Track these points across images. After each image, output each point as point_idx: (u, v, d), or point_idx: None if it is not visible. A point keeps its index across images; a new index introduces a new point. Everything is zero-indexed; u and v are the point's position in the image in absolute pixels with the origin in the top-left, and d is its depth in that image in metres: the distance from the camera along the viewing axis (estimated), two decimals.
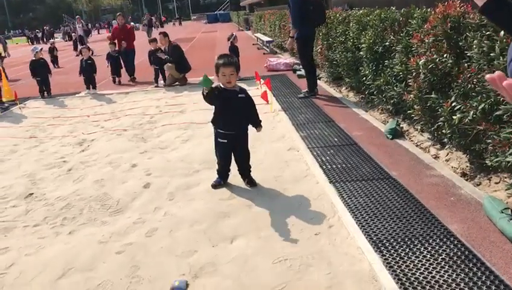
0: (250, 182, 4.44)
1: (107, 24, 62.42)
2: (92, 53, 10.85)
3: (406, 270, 2.87)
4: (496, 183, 3.93)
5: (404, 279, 2.78)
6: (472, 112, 3.85)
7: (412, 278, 2.78)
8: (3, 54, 14.05)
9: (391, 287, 2.68)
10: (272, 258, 3.15)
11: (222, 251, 3.33)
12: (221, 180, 4.49)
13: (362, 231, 3.36)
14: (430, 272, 2.82)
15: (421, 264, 2.91)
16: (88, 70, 10.49)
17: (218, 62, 4.07)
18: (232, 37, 10.82)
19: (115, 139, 6.58)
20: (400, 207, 3.71)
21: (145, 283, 3.01)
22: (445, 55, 4.42)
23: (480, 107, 3.75)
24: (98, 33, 56.88)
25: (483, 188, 3.94)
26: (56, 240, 3.73)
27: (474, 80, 3.92)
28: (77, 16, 24.50)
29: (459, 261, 2.90)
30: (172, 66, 10.39)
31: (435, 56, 4.52)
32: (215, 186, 4.45)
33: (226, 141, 4.29)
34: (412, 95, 5.00)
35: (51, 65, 12.74)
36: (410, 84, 5.04)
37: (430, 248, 3.08)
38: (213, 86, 4.05)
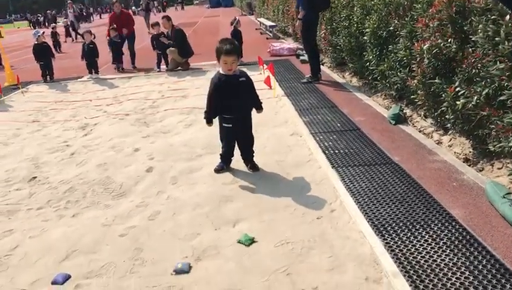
0: (253, 166, 4.45)
1: (109, 8, 62.01)
2: (94, 37, 10.75)
3: (407, 254, 2.89)
4: (499, 168, 3.93)
5: (405, 262, 2.79)
6: (476, 97, 3.83)
7: (413, 262, 2.79)
8: None
9: (392, 271, 2.69)
10: (274, 241, 3.17)
11: (225, 234, 3.35)
12: (224, 165, 4.50)
13: (364, 215, 3.37)
14: (432, 256, 2.83)
15: (423, 248, 2.93)
16: (90, 55, 10.44)
17: (221, 49, 4.02)
18: (235, 21, 10.74)
19: (118, 124, 6.59)
20: (402, 192, 3.71)
21: (148, 265, 3.04)
22: (449, 40, 4.38)
23: (484, 93, 3.73)
24: (100, 18, 56.56)
25: (486, 174, 3.95)
26: (60, 223, 3.76)
27: (479, 65, 3.89)
28: (69, 1, 23.34)
29: (460, 246, 2.92)
30: (175, 50, 10.34)
31: (439, 41, 4.49)
32: (218, 170, 4.46)
33: (230, 125, 4.27)
34: (415, 81, 4.97)
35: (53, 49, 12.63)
36: (414, 69, 5.01)
37: (431, 232, 3.09)
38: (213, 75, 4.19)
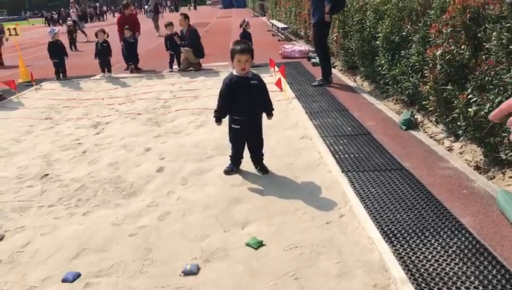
0: (263, 169, 4.46)
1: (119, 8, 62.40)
2: (108, 36, 10.82)
3: (416, 261, 2.88)
4: (510, 177, 3.90)
5: (414, 270, 2.79)
6: (488, 105, 3.81)
7: (422, 270, 2.79)
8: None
9: (401, 278, 2.69)
10: (283, 245, 3.18)
11: (233, 236, 3.36)
12: (234, 167, 4.53)
13: (373, 221, 3.37)
14: (440, 264, 2.83)
15: (432, 256, 2.92)
16: (103, 54, 10.52)
17: (235, 48, 4.07)
18: (244, 23, 10.78)
19: (129, 123, 6.64)
20: (412, 198, 3.70)
21: (157, 265, 3.06)
22: (463, 47, 4.36)
23: (497, 100, 3.71)
24: (113, 16, 56.90)
25: (497, 182, 3.92)
26: (71, 220, 3.80)
27: (492, 72, 3.87)
28: (71, 0, 23.14)
29: (469, 254, 2.91)
30: (190, 49, 10.38)
31: (452, 47, 4.47)
32: (228, 172, 4.48)
33: (239, 126, 4.30)
34: (427, 86, 4.96)
35: (68, 47, 12.72)
36: (426, 75, 4.99)
37: (441, 240, 3.09)
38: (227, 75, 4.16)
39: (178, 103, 7.66)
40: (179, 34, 10.60)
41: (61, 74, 10.74)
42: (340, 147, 4.99)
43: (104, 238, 3.46)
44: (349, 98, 7.11)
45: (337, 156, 4.73)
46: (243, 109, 4.23)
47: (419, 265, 2.84)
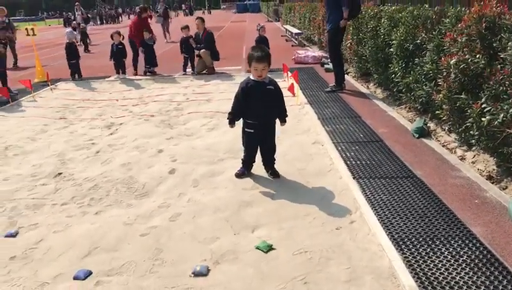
0: (274, 173, 4.48)
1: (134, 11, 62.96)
2: (123, 38, 10.92)
3: (426, 269, 2.87)
4: None
5: (423, 278, 2.78)
6: (502, 115, 3.80)
7: (432, 278, 2.78)
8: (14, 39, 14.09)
9: (410, 285, 2.69)
10: (293, 249, 3.19)
11: (244, 239, 3.38)
12: (245, 170, 4.55)
13: (384, 228, 3.37)
14: (450, 273, 2.82)
15: (442, 265, 2.91)
16: (119, 56, 10.63)
17: (252, 55, 4.11)
18: (260, 27, 10.85)
19: (143, 124, 6.70)
20: (423, 206, 3.70)
21: (168, 266, 3.09)
22: (477, 56, 4.35)
23: (511, 110, 3.69)
24: (129, 18, 57.45)
25: (510, 192, 3.90)
26: (83, 219, 3.85)
27: (507, 82, 3.86)
28: (76, 3, 22.92)
29: (480, 264, 2.89)
30: (208, 51, 10.44)
31: (467, 56, 4.46)
32: (239, 175, 4.51)
33: (252, 131, 4.33)
34: (441, 95, 4.94)
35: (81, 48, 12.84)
36: (440, 83, 4.98)
37: (451, 249, 3.08)
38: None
39: (191, 106, 7.71)
40: (194, 37, 10.66)
41: (76, 75, 10.87)
42: (352, 153, 4.99)
43: (116, 237, 3.49)
44: (362, 105, 7.11)
45: (348, 162, 4.73)
46: (257, 113, 4.26)
47: (429, 273, 2.83)
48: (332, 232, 3.41)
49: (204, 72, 10.76)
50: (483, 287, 2.67)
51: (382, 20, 7.37)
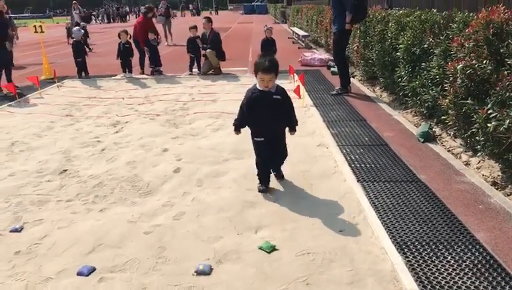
0: (278, 174, 4.45)
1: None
2: (130, 37, 10.97)
3: (429, 273, 2.87)
4: None
5: (426, 282, 2.78)
6: (508, 121, 3.79)
7: (434, 282, 2.78)
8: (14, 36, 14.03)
9: (412, 289, 2.69)
10: (295, 250, 3.20)
11: (247, 239, 3.39)
12: (265, 186, 4.22)
13: (387, 232, 3.37)
14: (453, 278, 2.82)
15: (444, 269, 2.91)
16: (125, 54, 10.68)
17: (259, 65, 3.87)
18: (266, 28, 10.83)
19: (148, 123, 6.73)
20: (427, 211, 3.69)
21: (171, 264, 3.11)
22: (484, 62, 4.35)
23: None
24: (136, 17, 57.64)
25: None
26: (87, 216, 3.87)
27: None
28: (74, 1, 22.60)
29: (483, 270, 2.89)
30: (213, 51, 10.47)
31: (474, 62, 4.46)
32: (262, 191, 4.20)
33: (262, 139, 4.13)
34: (447, 100, 4.94)
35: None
36: (447, 88, 4.98)
37: (454, 254, 3.07)
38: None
39: (196, 106, 7.73)
40: (200, 37, 10.69)
41: (83, 73, 10.92)
42: (357, 156, 4.99)
43: (120, 234, 3.51)
44: (367, 108, 7.11)
45: (353, 165, 4.74)
46: (263, 123, 4.06)
47: (432, 277, 2.83)
48: (335, 234, 3.42)
49: (210, 72, 10.79)
50: None
51: (389, 24, 7.37)
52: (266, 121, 4.04)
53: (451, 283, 2.77)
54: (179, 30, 21.65)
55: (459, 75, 4.62)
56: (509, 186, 4.08)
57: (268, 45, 10.49)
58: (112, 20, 51.83)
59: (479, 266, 2.93)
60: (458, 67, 4.62)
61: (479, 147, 4.57)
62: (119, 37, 10.70)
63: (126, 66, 10.80)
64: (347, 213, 3.73)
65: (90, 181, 4.60)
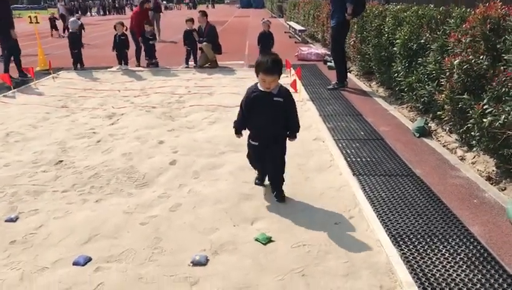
0: (278, 195, 3.89)
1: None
2: (126, 29, 10.91)
3: (423, 266, 2.90)
4: None
5: (420, 274, 2.81)
6: (504, 116, 3.81)
7: (429, 274, 2.81)
8: None
9: (407, 281, 2.71)
10: (291, 242, 3.22)
11: (243, 231, 3.40)
12: (260, 181, 4.17)
13: (382, 224, 3.39)
14: (447, 270, 2.84)
15: (439, 262, 2.94)
16: (121, 46, 10.62)
17: (261, 65, 3.52)
18: (264, 20, 10.79)
19: (144, 116, 6.71)
20: (422, 204, 3.72)
21: (167, 255, 3.11)
22: (481, 57, 4.37)
23: None
24: (132, 10, 57.34)
25: (508, 193, 3.92)
26: (83, 206, 3.87)
27: (509, 84, 3.87)
28: None
29: (477, 262, 2.92)
30: (209, 44, 10.45)
31: (470, 57, 4.48)
32: (257, 183, 4.18)
33: (257, 143, 3.85)
34: (443, 95, 4.96)
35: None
36: (443, 83, 5.00)
37: (449, 247, 3.10)
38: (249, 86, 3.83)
39: (192, 99, 7.72)
40: (197, 30, 10.66)
41: (78, 65, 10.85)
42: (353, 150, 5.01)
43: (116, 225, 3.51)
44: (363, 103, 7.12)
45: (348, 159, 4.75)
46: (260, 125, 3.76)
47: (426, 270, 2.86)
48: (331, 227, 3.43)
49: (207, 65, 10.77)
50: (479, 285, 2.69)
51: (387, 19, 7.38)
52: (263, 124, 3.72)
53: (446, 275, 2.79)
54: (174, 24, 21.50)
55: (456, 71, 4.64)
56: (504, 181, 4.11)
57: (266, 39, 10.46)
58: (107, 13, 51.52)
59: (473, 259, 2.96)
60: (455, 62, 4.64)
61: (474, 142, 4.60)
62: (115, 29, 10.64)
63: (122, 58, 10.75)
64: (343, 206, 3.75)
65: (86, 172, 4.59)
